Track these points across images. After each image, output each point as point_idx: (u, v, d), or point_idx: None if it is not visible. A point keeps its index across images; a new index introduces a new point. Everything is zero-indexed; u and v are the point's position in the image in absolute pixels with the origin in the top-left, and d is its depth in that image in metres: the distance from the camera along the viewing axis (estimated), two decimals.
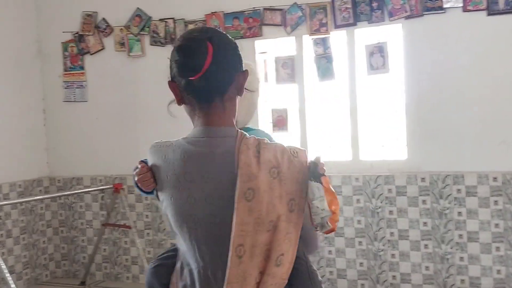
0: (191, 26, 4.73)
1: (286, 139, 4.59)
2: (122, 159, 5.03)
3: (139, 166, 1.56)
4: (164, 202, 1.51)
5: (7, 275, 3.81)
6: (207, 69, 1.42)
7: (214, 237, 1.45)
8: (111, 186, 4.84)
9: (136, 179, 1.57)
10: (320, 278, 1.65)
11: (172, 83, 1.52)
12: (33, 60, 5.29)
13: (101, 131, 5.17)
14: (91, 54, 5.15)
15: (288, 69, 4.49)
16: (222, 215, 1.42)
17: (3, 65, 4.95)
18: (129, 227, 4.74)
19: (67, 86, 5.27)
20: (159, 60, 4.90)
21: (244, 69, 1.52)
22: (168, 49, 4.81)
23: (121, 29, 4.99)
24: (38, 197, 5.04)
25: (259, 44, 4.59)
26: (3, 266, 3.79)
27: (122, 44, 5.01)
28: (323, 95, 4.53)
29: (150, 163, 1.55)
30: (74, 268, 5.35)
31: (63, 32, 5.21)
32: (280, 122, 4.55)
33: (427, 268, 4.15)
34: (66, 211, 5.36)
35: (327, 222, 1.41)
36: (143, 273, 4.76)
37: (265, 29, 4.52)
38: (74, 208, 5.32)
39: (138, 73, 5.01)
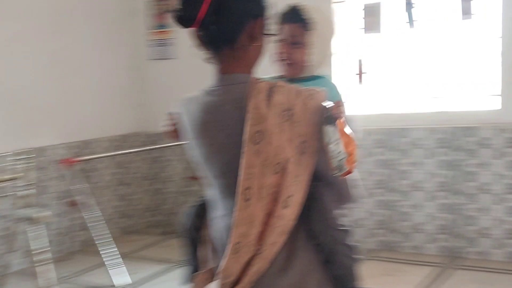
0: None
1: (368, 91, 4.50)
2: None
3: (168, 119, 1.64)
4: (193, 152, 1.54)
5: (101, 223, 4.05)
6: (203, 20, 1.37)
7: (232, 186, 1.43)
8: None
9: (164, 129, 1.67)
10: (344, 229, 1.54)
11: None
12: (124, 19, 5.48)
13: (189, 88, 5.27)
14: None
15: (373, 17, 4.34)
16: (237, 163, 1.41)
17: (95, 24, 5.16)
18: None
19: (156, 44, 5.42)
20: None
21: (260, 17, 1.45)
22: None
23: None
24: (130, 151, 5.27)
25: None
26: (98, 214, 4.04)
27: None
28: (410, 43, 4.35)
29: (179, 116, 1.58)
30: (159, 218, 5.59)
31: None
32: (363, 73, 4.44)
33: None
34: (155, 164, 5.60)
35: (343, 165, 1.38)
36: None
37: None
38: (160, 161, 5.54)
39: None
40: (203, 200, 1.63)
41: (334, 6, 4.45)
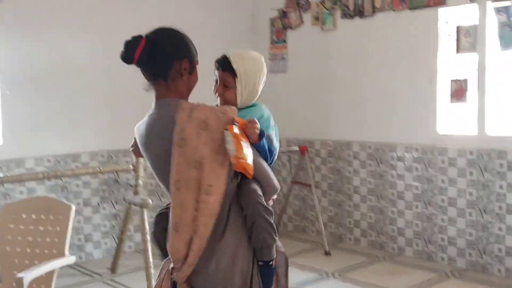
0: None
1: (463, 111, 4.50)
2: (313, 124, 5.55)
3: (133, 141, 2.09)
4: (148, 164, 2.01)
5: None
6: (138, 59, 1.88)
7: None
8: (297, 148, 5.37)
9: (130, 150, 2.12)
10: (266, 215, 1.89)
11: None
12: (246, 34, 6.07)
13: (297, 99, 5.72)
14: (292, 29, 5.70)
15: (469, 38, 4.36)
16: (169, 166, 1.84)
17: (222, 40, 5.79)
18: (309, 186, 5.23)
19: (273, 58, 5.93)
20: (348, 33, 5.21)
21: (184, 58, 1.93)
22: (356, 22, 5.11)
23: (317, 4, 5.42)
24: None
25: (443, 12, 4.52)
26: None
27: (317, 19, 5.44)
28: (506, 65, 4.27)
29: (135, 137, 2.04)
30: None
31: (271, 9, 5.86)
32: (458, 93, 4.47)
33: None
34: None
35: (233, 159, 1.77)
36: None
37: None
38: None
39: (329, 46, 5.39)
40: (166, 208, 2.01)
41: (440, 27, 4.54)
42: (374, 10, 4.96)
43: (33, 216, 2.95)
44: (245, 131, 1.86)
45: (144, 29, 2.01)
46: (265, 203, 1.90)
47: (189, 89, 2.00)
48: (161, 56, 1.92)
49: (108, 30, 5.02)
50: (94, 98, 5.01)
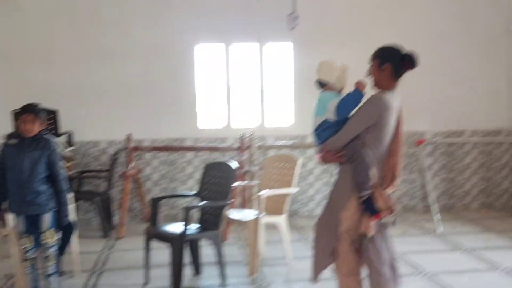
0: None
1: None
2: None
3: None
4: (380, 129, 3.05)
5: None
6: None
7: (386, 146, 3.11)
8: None
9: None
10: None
11: None
12: (500, 37, 6.80)
13: None
14: None
15: None
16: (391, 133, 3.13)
17: (476, 41, 6.77)
18: None
19: None
20: None
21: (385, 64, 3.04)
22: None
23: None
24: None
25: None
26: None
27: None
28: None
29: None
30: None
31: None
32: None
33: None
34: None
35: None
36: None
37: None
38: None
39: None
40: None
41: None
42: None
43: (280, 165, 4.92)
44: None
45: (401, 39, 3.33)
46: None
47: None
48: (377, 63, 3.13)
49: (371, 41, 6.59)
50: None
